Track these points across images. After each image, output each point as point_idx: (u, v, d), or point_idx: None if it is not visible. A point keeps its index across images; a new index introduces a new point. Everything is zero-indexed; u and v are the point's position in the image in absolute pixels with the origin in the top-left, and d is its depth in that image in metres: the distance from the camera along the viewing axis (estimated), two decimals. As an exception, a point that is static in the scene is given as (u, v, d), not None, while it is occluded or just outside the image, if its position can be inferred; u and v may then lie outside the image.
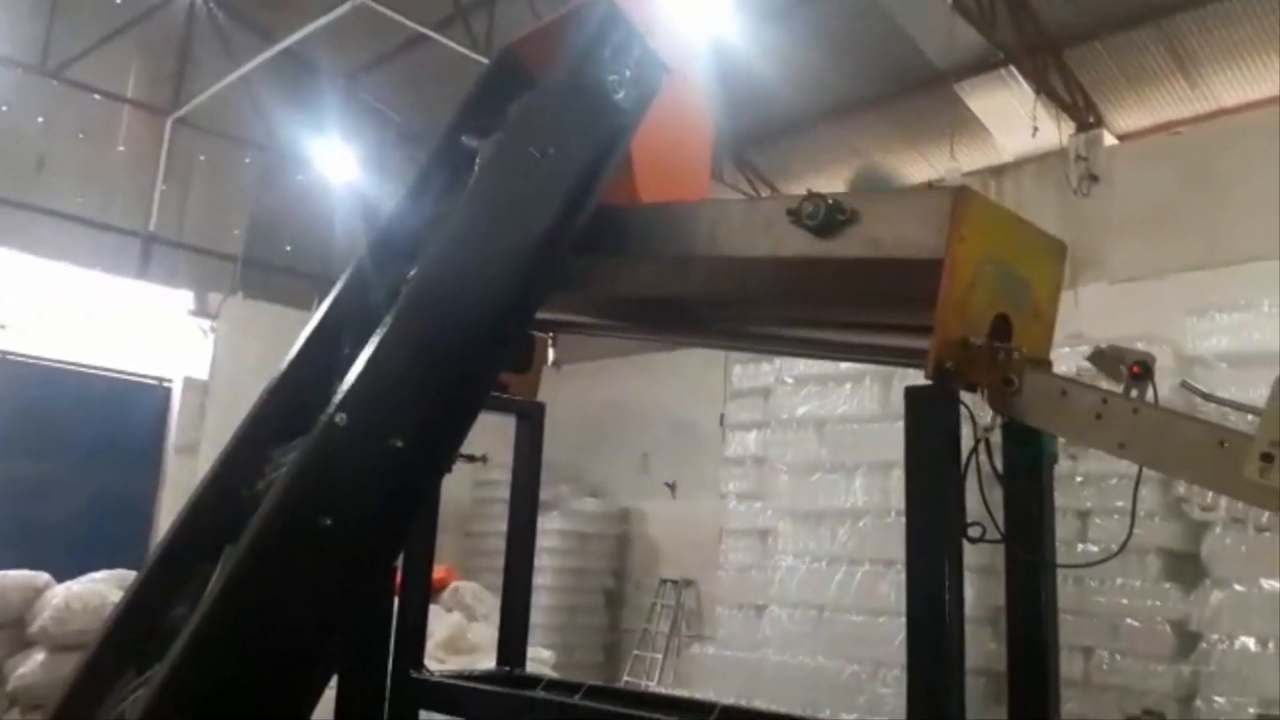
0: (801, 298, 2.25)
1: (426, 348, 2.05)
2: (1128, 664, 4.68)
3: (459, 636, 5.86)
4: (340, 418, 1.89)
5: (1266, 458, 1.61)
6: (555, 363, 10.77)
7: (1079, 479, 4.76)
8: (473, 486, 9.24)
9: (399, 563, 2.71)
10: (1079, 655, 4.81)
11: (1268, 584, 4.36)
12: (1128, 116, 7.38)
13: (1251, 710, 4.14)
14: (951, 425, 1.87)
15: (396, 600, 2.93)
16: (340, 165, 10.84)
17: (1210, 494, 1.55)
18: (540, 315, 2.46)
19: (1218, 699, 4.30)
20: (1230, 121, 6.73)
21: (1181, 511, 4.67)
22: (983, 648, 4.34)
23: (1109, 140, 7.21)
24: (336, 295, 2.41)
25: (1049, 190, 6.71)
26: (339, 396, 1.92)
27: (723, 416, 6.99)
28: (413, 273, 2.16)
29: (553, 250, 2.27)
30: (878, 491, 5.41)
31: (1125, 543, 2.15)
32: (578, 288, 2.67)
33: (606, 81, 2.45)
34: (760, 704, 4.59)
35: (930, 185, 7.05)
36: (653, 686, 7.46)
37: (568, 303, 2.81)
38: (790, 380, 6.13)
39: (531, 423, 3.29)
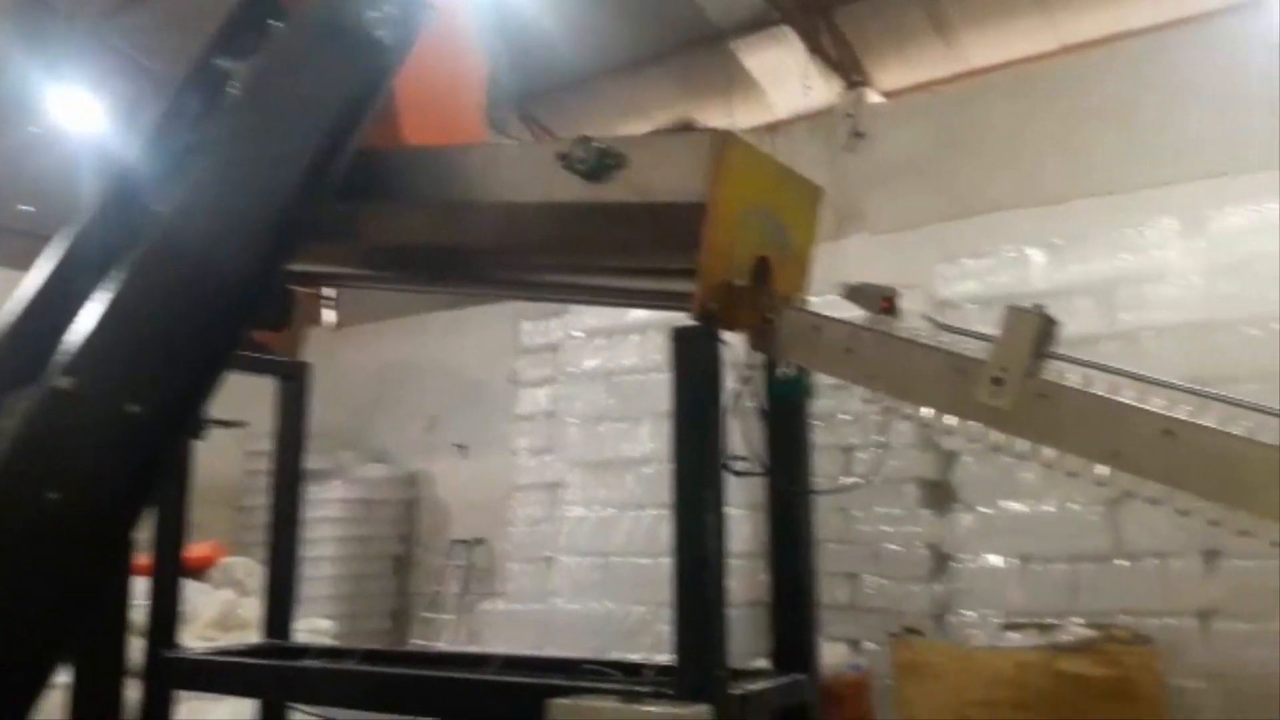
0: (575, 244, 2.24)
1: (165, 302, 1.85)
2: (889, 586, 5.07)
3: (229, 613, 5.61)
4: (65, 381, 1.70)
5: (997, 381, 1.74)
6: (336, 324, 10.28)
7: (843, 416, 5.05)
8: (244, 458, 8.73)
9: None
10: (845, 581, 5.16)
11: (1011, 506, 4.80)
12: (891, 75, 7.79)
13: (996, 620, 4.56)
14: (714, 364, 1.92)
15: (147, 577, 2.73)
16: (84, 116, 9.84)
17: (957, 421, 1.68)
18: (303, 267, 2.32)
19: (968, 613, 4.72)
20: (981, 80, 7.23)
21: (935, 443, 5.07)
22: (758, 580, 4.57)
23: (874, 98, 7.60)
24: (81, 230, 2.16)
25: (820, 146, 7.00)
26: (64, 358, 1.73)
27: (512, 373, 6.95)
28: (153, 215, 1.97)
29: (308, 195, 2.14)
30: (663, 438, 5.53)
31: (877, 470, 2.29)
32: (344, 237, 2.54)
33: (366, 17, 2.31)
34: (551, 652, 4.65)
35: (692, 128, 7.19)
36: (441, 648, 7.40)
37: (334, 254, 2.67)
38: (579, 334, 6.18)
39: (295, 385, 3.13)
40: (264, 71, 2.15)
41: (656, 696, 1.88)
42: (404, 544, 9.35)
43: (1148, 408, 1.65)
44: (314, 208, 2.15)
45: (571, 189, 2.05)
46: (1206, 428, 1.60)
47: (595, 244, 2.18)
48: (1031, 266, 5.05)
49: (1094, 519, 4.57)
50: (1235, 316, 4.39)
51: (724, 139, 1.94)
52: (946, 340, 1.87)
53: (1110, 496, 4.50)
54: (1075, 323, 3.43)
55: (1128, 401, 1.67)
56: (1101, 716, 3.86)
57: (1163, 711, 4.00)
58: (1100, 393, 1.70)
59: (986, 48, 7.40)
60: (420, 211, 2.48)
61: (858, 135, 6.89)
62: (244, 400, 2.79)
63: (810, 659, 2.11)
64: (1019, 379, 1.72)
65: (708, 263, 1.87)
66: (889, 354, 1.87)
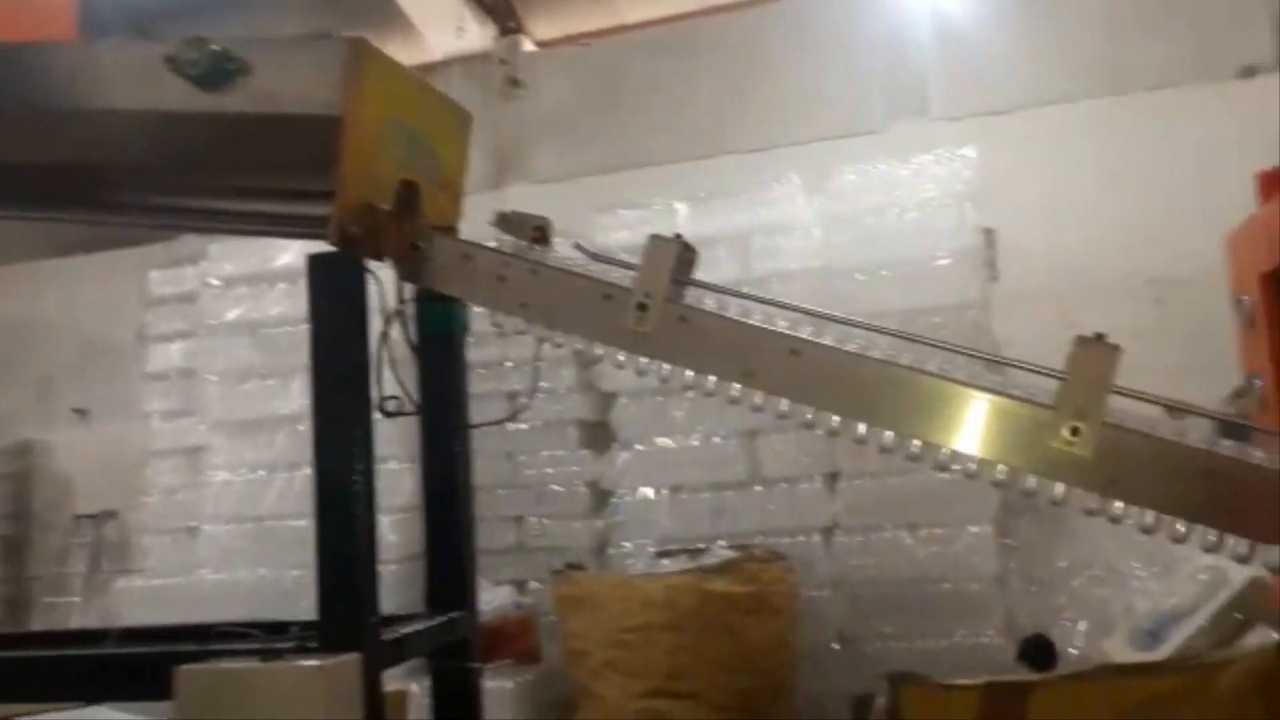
0: (191, 161, 1.99)
1: None
2: (553, 526, 5.18)
3: None
4: None
5: (641, 307, 1.78)
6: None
7: (508, 363, 5.06)
8: None
9: None
10: (512, 524, 5.22)
11: (662, 442, 5.06)
12: (545, 24, 7.81)
13: (651, 549, 4.80)
14: (357, 294, 1.80)
15: None
16: None
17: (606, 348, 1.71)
18: None
19: (626, 544, 4.94)
20: (635, 36, 7.43)
21: (594, 386, 5.23)
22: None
23: (529, 46, 7.60)
24: None
25: (476, 92, 6.88)
26: None
27: (141, 328, 6.24)
28: None
29: None
30: (317, 392, 5.25)
31: (530, 404, 2.28)
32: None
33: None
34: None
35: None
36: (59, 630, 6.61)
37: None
38: (217, 283, 5.66)
39: None
40: None
41: (301, 651, 1.76)
42: (16, 523, 8.19)
43: (776, 329, 1.75)
44: None
45: (183, 97, 1.82)
46: (827, 346, 1.73)
47: (215, 160, 1.96)
48: (679, 218, 5.31)
49: (734, 451, 4.93)
50: (848, 264, 4.86)
51: (361, 46, 1.80)
52: (596, 270, 1.88)
53: (748, 428, 4.89)
54: (716, 271, 3.67)
55: (759, 324, 1.76)
56: (744, 628, 4.18)
57: (796, 619, 4.43)
58: (734, 316, 1.78)
59: (637, 5, 7.62)
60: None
61: (514, 83, 6.85)
62: None
63: (468, 597, 2.08)
64: (661, 304, 1.76)
65: (344, 182, 1.74)
66: (540, 282, 1.85)
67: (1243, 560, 1.51)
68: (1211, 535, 1.53)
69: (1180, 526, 1.54)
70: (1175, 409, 1.63)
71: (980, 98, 5.86)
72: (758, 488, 4.91)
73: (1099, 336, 1.61)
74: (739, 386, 1.75)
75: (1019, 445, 1.60)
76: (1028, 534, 4.74)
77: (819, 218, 5.11)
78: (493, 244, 1.91)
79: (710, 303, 1.80)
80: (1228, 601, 3.11)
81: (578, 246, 1.90)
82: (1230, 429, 1.65)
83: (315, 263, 1.79)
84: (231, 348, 5.56)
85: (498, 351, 5.15)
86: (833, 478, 4.81)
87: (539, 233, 1.89)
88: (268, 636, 1.80)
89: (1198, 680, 2.62)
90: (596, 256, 1.89)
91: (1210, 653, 2.82)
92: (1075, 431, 1.56)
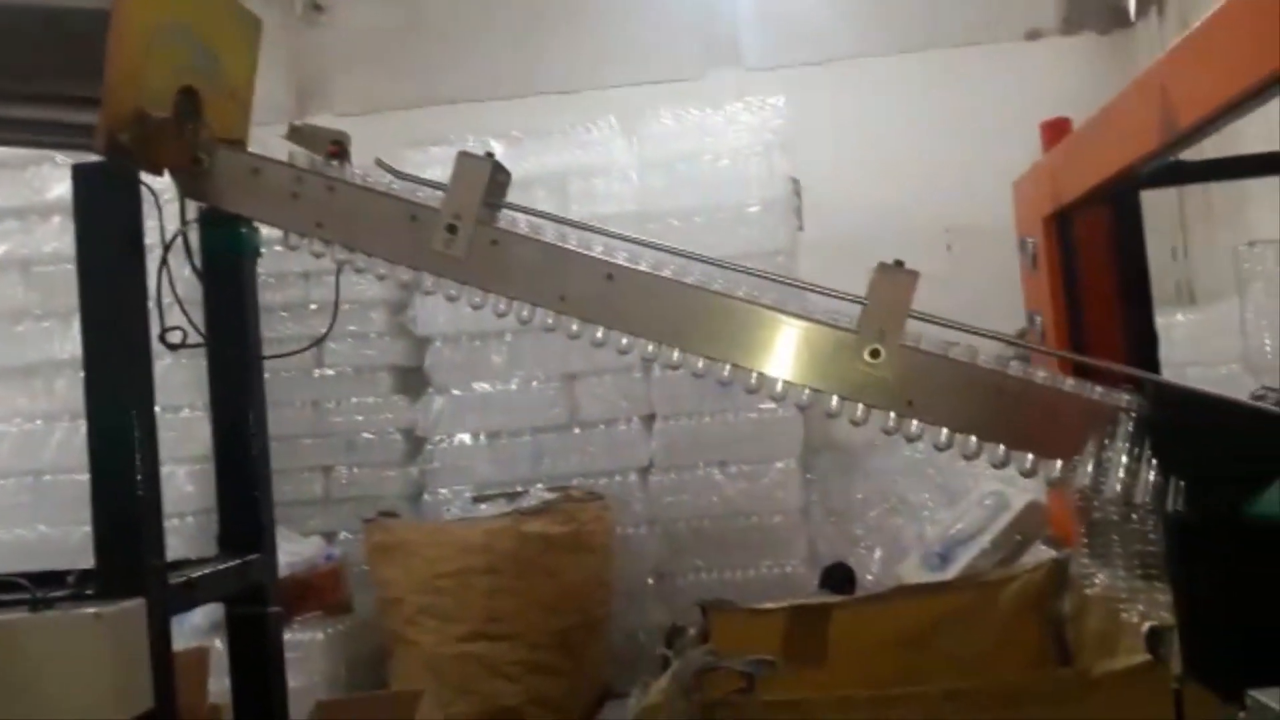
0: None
1: None
2: (364, 475, 5.02)
3: None
4: None
5: (450, 228, 1.70)
6: None
7: (313, 306, 4.83)
8: None
9: None
10: (320, 475, 5.01)
11: (480, 386, 4.97)
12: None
13: (468, 494, 4.74)
14: (130, 210, 1.63)
15: None
16: None
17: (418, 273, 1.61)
18: None
19: (442, 490, 4.84)
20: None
21: (408, 331, 5.07)
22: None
23: (329, -30, 7.19)
24: None
25: (275, 14, 6.45)
26: None
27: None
28: None
29: None
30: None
31: (328, 333, 2.17)
32: None
33: None
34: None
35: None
36: None
37: None
38: (-22, 216, 5.10)
39: None
40: None
41: (78, 600, 1.61)
42: None
43: (592, 254, 1.72)
44: None
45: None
46: (642, 271, 1.70)
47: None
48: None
49: (553, 394, 4.91)
50: (663, 209, 4.89)
51: (128, -67, 1.61)
52: (402, 189, 1.78)
53: (567, 372, 4.87)
54: (546, 225, 3.59)
55: (573, 248, 1.72)
56: (562, 568, 4.20)
57: (612, 557, 4.48)
58: (548, 240, 1.73)
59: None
60: None
61: (316, 8, 6.46)
62: None
63: (264, 539, 1.96)
64: (472, 226, 1.69)
65: (114, 85, 1.56)
66: (338, 200, 1.73)
67: (1027, 474, 1.61)
68: (1000, 451, 1.62)
69: (971, 443, 1.61)
70: (969, 331, 1.71)
71: (792, 49, 5.98)
72: (576, 430, 4.91)
73: (898, 263, 1.66)
74: (554, 313, 1.71)
75: (823, 368, 1.64)
76: (828, 469, 4.97)
77: (635, 162, 5.10)
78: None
79: (524, 226, 1.74)
80: (1008, 524, 3.37)
81: (380, 163, 1.80)
82: (1017, 354, 1.75)
83: (82, 176, 1.60)
84: (2, 286, 5.05)
85: (300, 293, 4.91)
86: (649, 419, 4.88)
87: (337, 147, 1.77)
88: (40, 587, 1.63)
89: (982, 596, 2.82)
90: (402, 175, 1.79)
91: (993, 571, 3.04)
92: (875, 354, 1.61)
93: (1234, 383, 3.60)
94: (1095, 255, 2.93)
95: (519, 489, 4.60)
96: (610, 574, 4.45)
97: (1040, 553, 2.94)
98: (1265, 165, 2.77)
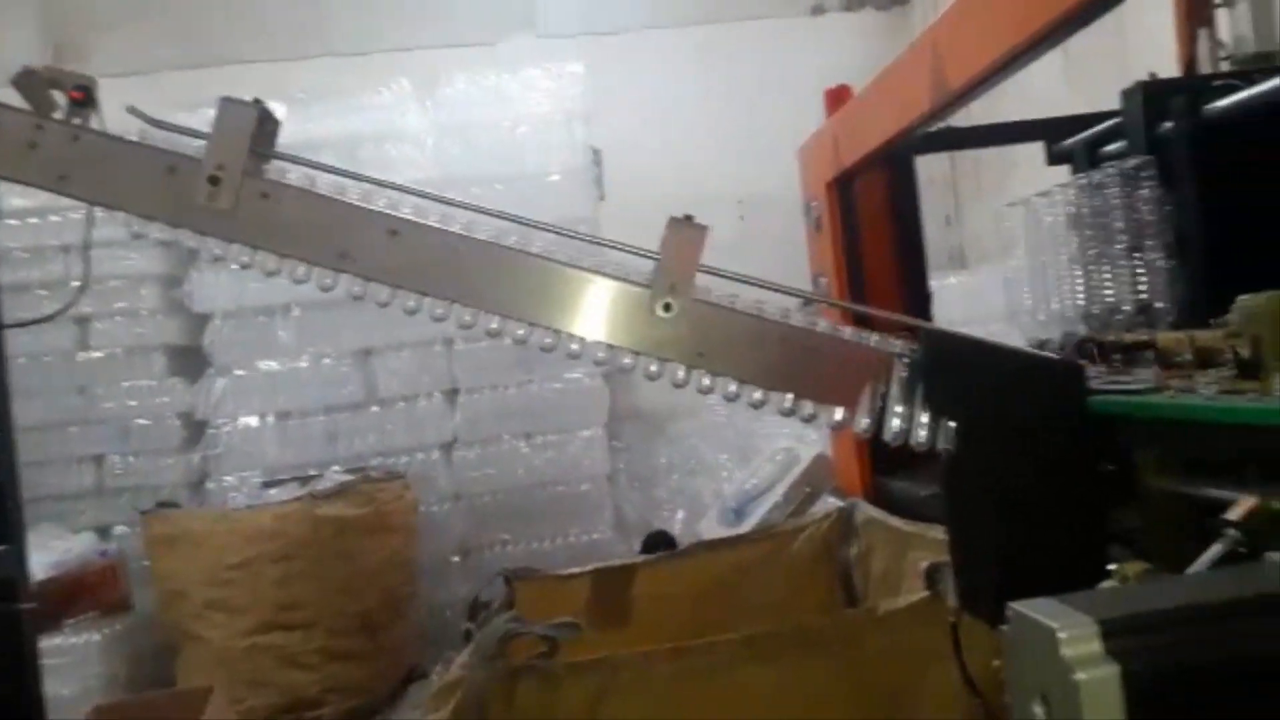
0: None
1: None
2: (140, 463, 4.67)
3: None
4: None
5: (214, 180, 1.57)
6: None
7: (75, 283, 4.42)
8: None
9: None
10: (91, 465, 4.63)
11: (266, 365, 4.70)
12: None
13: (257, 480, 4.48)
14: None
15: None
16: None
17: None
18: None
19: (227, 477, 4.56)
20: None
21: (184, 307, 4.73)
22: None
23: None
24: None
25: (25, -36, 5.84)
26: None
27: None
28: None
29: None
30: None
31: (74, 302, 1.98)
32: None
33: None
34: None
35: None
36: None
37: None
38: None
39: None
40: None
41: None
42: None
43: (374, 208, 1.63)
44: None
45: None
46: (429, 226, 1.63)
47: None
48: (277, 119, 4.90)
49: (347, 371, 4.72)
50: (462, 176, 4.77)
51: None
52: (159, 138, 1.63)
53: (361, 347, 4.69)
54: (324, 179, 3.40)
55: (355, 202, 1.63)
56: (361, 550, 4.05)
57: (414, 537, 4.37)
58: (327, 193, 1.63)
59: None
60: None
61: (74, -42, 5.90)
62: None
63: (13, 529, 1.76)
64: (238, 177, 1.57)
65: None
66: (85, 151, 1.56)
67: (808, 420, 1.65)
68: (786, 400, 1.66)
69: (758, 394, 1.65)
70: (758, 285, 1.74)
71: (587, 18, 5.96)
72: (374, 408, 4.75)
73: (688, 218, 1.66)
74: (333, 272, 1.61)
75: (618, 323, 1.63)
76: (633, 437, 5.03)
77: (431, 127, 4.96)
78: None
79: (297, 177, 1.63)
80: (798, 477, 3.51)
81: (133, 111, 1.64)
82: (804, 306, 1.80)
83: None
84: None
85: (60, 269, 4.50)
86: (451, 394, 4.77)
87: (81, 93, 1.59)
88: None
89: (774, 547, 2.92)
90: (158, 123, 1.64)
91: (785, 522, 3.16)
92: (668, 307, 1.61)
93: (1000, 338, 3.89)
94: (874, 218, 3.08)
95: (313, 472, 4.40)
96: (413, 553, 4.34)
97: (828, 503, 3.07)
98: (1025, 132, 2.99)
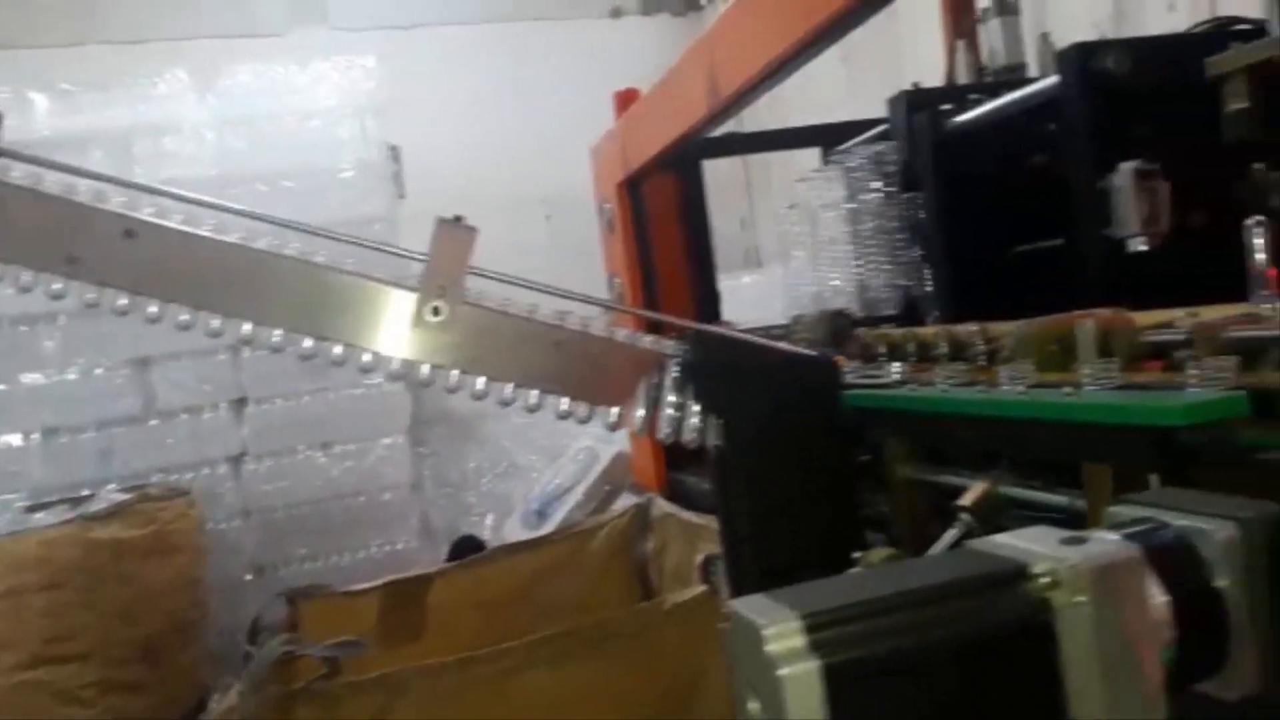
0: None
1: None
2: (-126, 491, 4.19)
3: None
4: None
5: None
6: None
7: None
8: None
9: None
10: None
11: (30, 379, 4.33)
12: None
13: (20, 504, 4.12)
14: None
15: None
16: None
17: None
18: None
19: (-14, 502, 4.16)
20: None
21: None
22: None
23: None
24: None
25: None
26: None
27: None
28: None
29: None
30: None
31: None
32: None
33: None
34: None
35: None
36: None
37: None
38: None
39: None
40: None
41: None
42: None
43: (108, 207, 1.51)
44: None
45: None
46: (170, 227, 1.53)
47: None
48: (36, 111, 4.51)
49: (123, 383, 4.40)
50: (247, 172, 4.54)
51: None
52: None
53: (138, 357, 4.38)
54: (55, 177, 3.13)
55: (85, 202, 1.50)
56: (141, 573, 3.78)
57: (201, 556, 4.11)
58: (56, 193, 1.50)
59: None
60: None
61: None
62: None
63: None
64: (-53, 175, 1.41)
65: None
66: None
67: (583, 421, 1.65)
68: (563, 403, 1.65)
69: (534, 397, 1.63)
70: (537, 289, 1.73)
71: (381, 12, 5.80)
72: (154, 422, 4.45)
73: (457, 219, 1.63)
74: (62, 278, 1.48)
75: (384, 328, 1.58)
76: (440, 441, 4.93)
77: (212, 120, 4.68)
78: None
79: (19, 174, 1.49)
80: (598, 475, 3.53)
81: None
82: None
83: None
84: None
85: None
86: (239, 404, 4.53)
87: None
88: None
89: (574, 547, 2.93)
90: None
91: (585, 521, 3.17)
92: (437, 311, 1.57)
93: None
94: (664, 219, 3.13)
95: (85, 492, 4.07)
96: (200, 573, 4.08)
97: (627, 500, 3.10)
98: (804, 138, 3.11)
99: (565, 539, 2.95)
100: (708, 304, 3.11)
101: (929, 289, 2.40)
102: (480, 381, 1.62)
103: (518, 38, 5.86)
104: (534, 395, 1.63)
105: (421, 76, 5.61)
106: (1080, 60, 1.95)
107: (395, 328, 1.59)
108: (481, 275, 1.62)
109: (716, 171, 4.70)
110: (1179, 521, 0.78)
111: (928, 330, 1.66)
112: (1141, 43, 2.20)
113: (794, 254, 3.21)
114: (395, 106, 5.04)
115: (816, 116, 3.27)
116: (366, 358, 1.59)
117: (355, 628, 2.57)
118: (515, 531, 3.64)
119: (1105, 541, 0.73)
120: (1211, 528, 0.76)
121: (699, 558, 1.94)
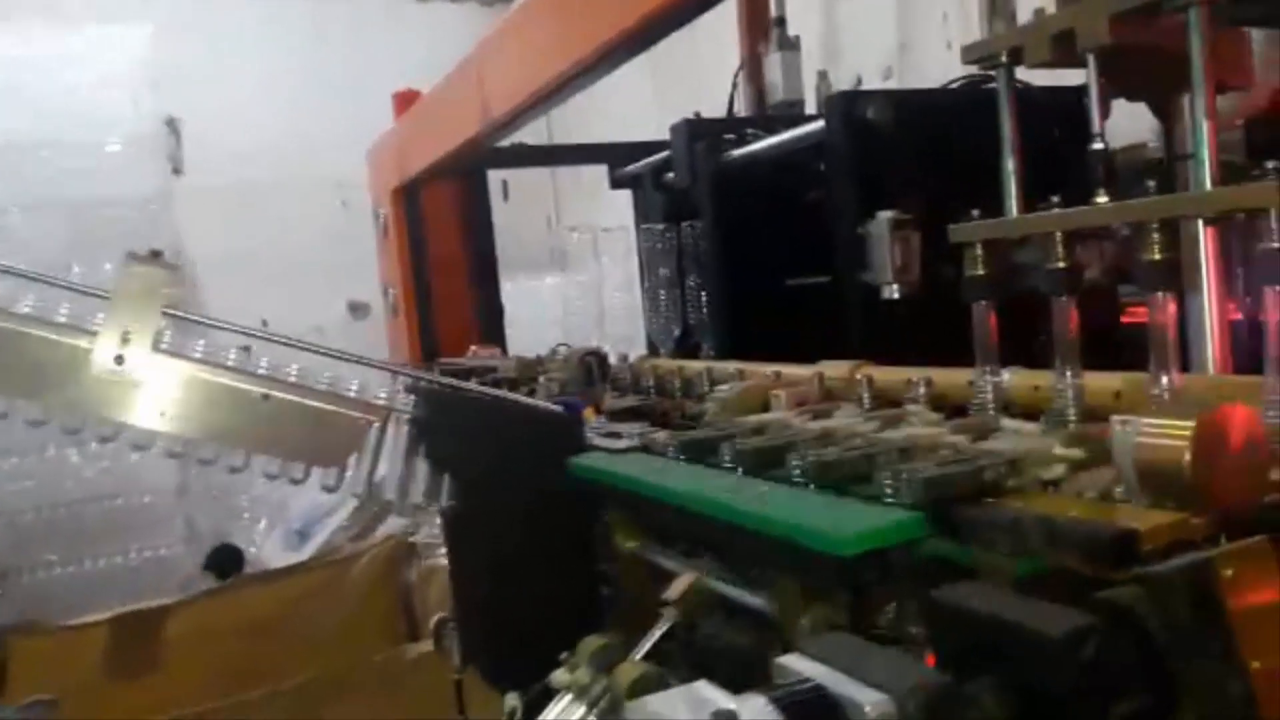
0: None
1: None
2: None
3: None
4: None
5: None
6: None
7: None
8: None
9: None
10: None
11: None
12: None
13: None
14: None
15: None
16: None
17: None
18: None
19: None
20: None
21: None
22: None
23: None
24: None
25: None
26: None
27: None
28: None
29: None
30: None
31: None
32: None
33: None
34: None
35: None
36: None
37: None
38: None
39: None
40: None
41: None
42: None
43: None
44: None
45: None
46: None
47: None
48: None
49: None
50: (4, 141, 4.10)
51: None
52: None
53: None
54: None
55: None
56: None
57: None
58: None
59: None
60: None
61: None
62: None
63: None
64: None
65: None
66: None
67: (299, 482, 1.52)
68: (275, 464, 1.51)
69: (239, 459, 1.49)
70: (252, 336, 1.58)
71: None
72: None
73: (154, 254, 1.46)
74: None
75: (55, 378, 1.39)
76: (212, 442, 4.62)
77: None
78: None
79: None
80: (368, 493, 3.35)
81: None
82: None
83: None
84: None
85: None
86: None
87: None
88: None
89: (334, 575, 2.77)
90: None
91: (345, 547, 3.01)
92: (120, 360, 1.40)
93: (587, 335, 4.02)
94: (444, 230, 2.99)
95: None
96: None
97: (395, 524, 2.96)
98: (589, 155, 3.03)
99: (323, 567, 2.79)
100: (490, 319, 3.00)
101: (705, 318, 2.39)
102: (170, 440, 1.45)
103: (320, 13, 5.52)
104: (239, 456, 1.49)
105: (212, 48, 5.22)
106: (844, 108, 1.96)
107: (66, 376, 1.40)
108: (178, 317, 1.45)
109: (522, 168, 4.58)
110: (840, 687, 0.74)
111: (664, 364, 1.62)
112: (906, 95, 2.24)
113: (577, 278, 3.17)
114: (180, 79, 4.68)
115: (623, 130, 3.20)
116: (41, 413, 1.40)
117: (77, 668, 2.35)
118: (275, 552, 3.43)
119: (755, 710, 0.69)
120: (867, 700, 0.72)
121: (432, 620, 1.84)
